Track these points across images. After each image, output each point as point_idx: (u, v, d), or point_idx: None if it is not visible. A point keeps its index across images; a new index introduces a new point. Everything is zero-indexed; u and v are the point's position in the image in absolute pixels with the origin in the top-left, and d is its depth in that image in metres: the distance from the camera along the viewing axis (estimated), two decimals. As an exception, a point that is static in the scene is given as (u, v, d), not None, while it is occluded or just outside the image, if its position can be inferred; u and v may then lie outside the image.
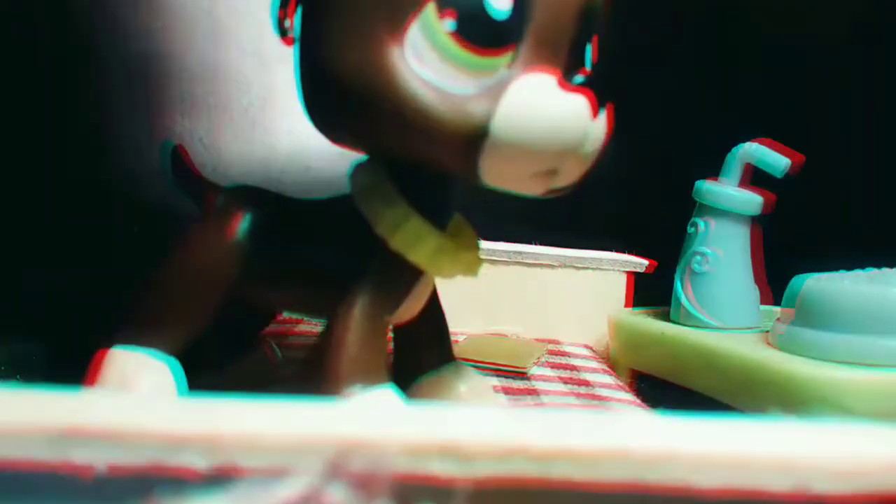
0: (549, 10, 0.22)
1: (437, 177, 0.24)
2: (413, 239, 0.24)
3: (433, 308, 0.29)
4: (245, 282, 0.27)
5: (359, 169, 0.25)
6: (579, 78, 0.23)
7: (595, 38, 0.24)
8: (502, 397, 0.29)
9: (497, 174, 0.22)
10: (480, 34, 0.21)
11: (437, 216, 0.25)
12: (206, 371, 0.27)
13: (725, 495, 0.15)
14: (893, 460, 0.15)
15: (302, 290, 0.27)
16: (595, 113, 0.21)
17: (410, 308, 0.27)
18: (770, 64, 0.65)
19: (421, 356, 0.29)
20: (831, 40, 0.63)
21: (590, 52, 0.24)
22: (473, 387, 0.28)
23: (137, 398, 0.17)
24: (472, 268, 0.26)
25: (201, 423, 0.15)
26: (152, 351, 0.27)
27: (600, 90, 0.22)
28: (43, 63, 0.61)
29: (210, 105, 0.65)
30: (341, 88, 0.22)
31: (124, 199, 0.62)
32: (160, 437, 0.15)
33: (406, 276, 0.25)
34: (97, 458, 0.15)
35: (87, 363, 0.27)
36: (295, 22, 0.23)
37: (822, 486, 0.15)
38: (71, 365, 0.27)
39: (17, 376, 0.18)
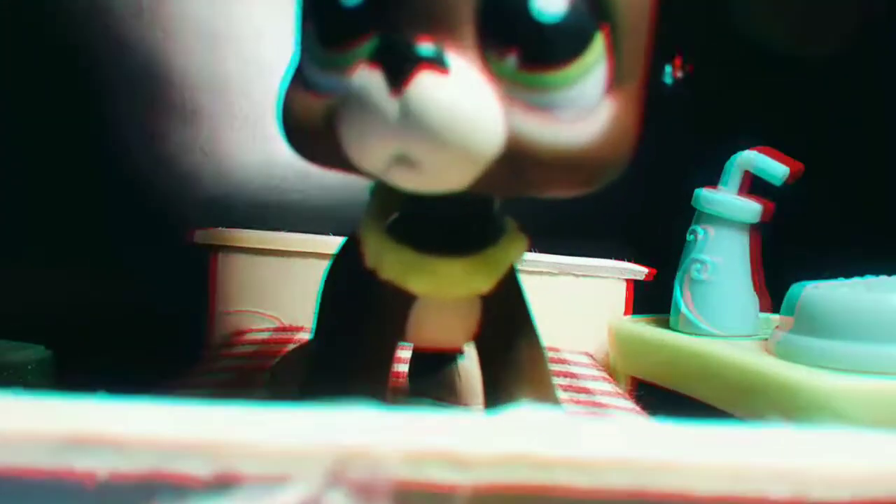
0: None
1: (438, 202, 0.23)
2: (396, 266, 0.24)
3: (515, 345, 0.27)
4: None
5: (366, 205, 0.26)
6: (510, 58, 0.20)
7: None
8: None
9: (359, 163, 0.21)
10: (334, 29, 0.21)
11: (438, 240, 0.24)
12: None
13: (724, 502, 0.15)
14: (890, 468, 0.15)
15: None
16: (397, 86, 0.19)
17: (430, 331, 0.27)
18: (770, 72, 0.66)
19: (499, 391, 0.27)
20: (830, 49, 0.63)
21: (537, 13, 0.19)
22: None
23: (137, 406, 0.17)
24: (474, 284, 0.24)
25: (202, 430, 0.15)
26: None
27: (419, 57, 0.19)
28: (44, 71, 0.61)
29: (211, 113, 0.65)
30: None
31: (123, 202, 0.63)
32: (161, 444, 0.15)
33: (399, 301, 0.25)
34: (99, 465, 0.15)
35: (89, 371, 0.27)
36: None
37: (820, 493, 0.15)
38: (74, 372, 0.27)
39: (21, 383, 0.18)
